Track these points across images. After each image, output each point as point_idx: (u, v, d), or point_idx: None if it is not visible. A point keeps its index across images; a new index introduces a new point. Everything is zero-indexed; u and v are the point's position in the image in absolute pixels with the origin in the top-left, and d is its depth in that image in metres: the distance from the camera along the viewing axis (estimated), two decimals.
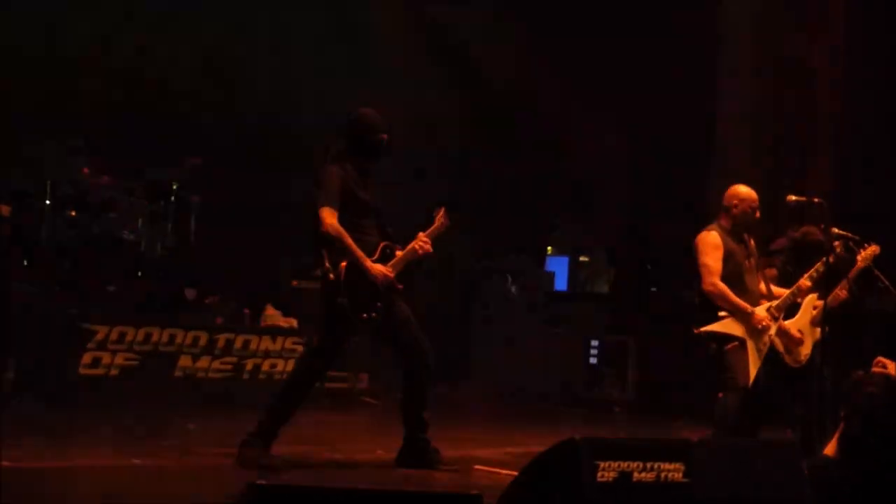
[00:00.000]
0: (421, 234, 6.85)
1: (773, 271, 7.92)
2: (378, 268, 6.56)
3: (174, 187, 10.36)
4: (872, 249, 7.47)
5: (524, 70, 13.64)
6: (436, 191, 11.70)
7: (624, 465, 4.40)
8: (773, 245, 8.34)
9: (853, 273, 7.43)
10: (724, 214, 7.36)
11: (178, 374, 9.48)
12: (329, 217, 6.48)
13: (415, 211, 7.62)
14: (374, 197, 6.79)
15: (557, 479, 4.38)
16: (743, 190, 7.41)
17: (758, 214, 7.37)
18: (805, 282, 7.27)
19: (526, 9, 13.35)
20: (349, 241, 6.49)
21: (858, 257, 7.44)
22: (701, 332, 7.20)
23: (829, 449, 5.83)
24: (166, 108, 11.58)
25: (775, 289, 7.47)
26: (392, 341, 6.80)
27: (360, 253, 6.52)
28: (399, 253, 6.74)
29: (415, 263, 6.88)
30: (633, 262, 13.23)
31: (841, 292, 7.52)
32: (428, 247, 6.80)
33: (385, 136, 6.80)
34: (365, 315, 6.52)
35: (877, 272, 7.56)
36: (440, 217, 6.93)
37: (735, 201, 7.35)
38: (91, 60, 11.29)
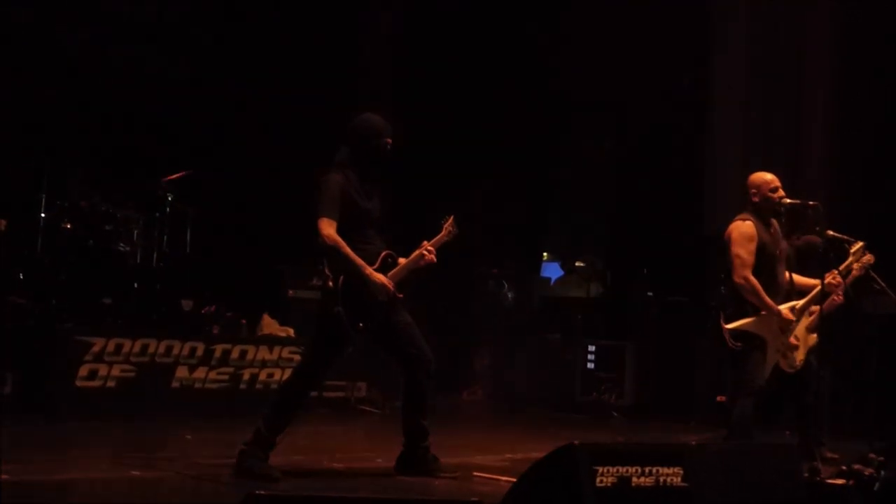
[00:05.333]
0: (425, 242, 6.74)
1: None
2: (379, 277, 6.51)
3: (169, 198, 10.36)
4: (868, 258, 7.45)
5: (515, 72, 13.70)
6: (434, 197, 11.72)
7: (623, 469, 4.41)
8: None
9: (849, 280, 7.41)
10: (749, 204, 7.29)
11: (175, 385, 9.47)
12: (326, 228, 6.39)
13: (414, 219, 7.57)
14: (378, 205, 6.67)
15: (556, 485, 4.38)
16: (757, 176, 7.34)
17: (780, 193, 7.26)
18: (828, 285, 7.21)
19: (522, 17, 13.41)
20: (347, 250, 6.41)
21: (855, 265, 7.42)
22: (730, 330, 7.09)
23: None
24: (160, 119, 11.59)
25: (798, 278, 7.43)
26: (393, 349, 6.73)
27: (360, 262, 6.45)
28: (401, 261, 6.68)
29: (418, 272, 6.75)
30: (629, 266, 13.24)
31: (837, 298, 7.52)
32: (432, 256, 6.70)
33: (388, 140, 6.65)
34: (362, 324, 6.48)
35: (873, 274, 7.57)
36: (448, 226, 6.78)
37: (753, 190, 7.29)
38: (84, 72, 11.30)
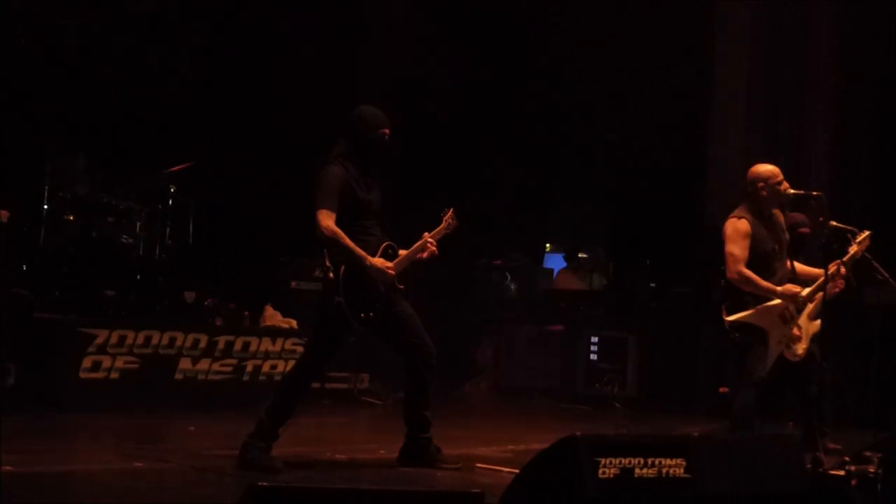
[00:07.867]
0: (426, 234, 6.77)
1: None
2: (379, 263, 6.50)
3: (171, 190, 10.35)
4: (865, 234, 7.40)
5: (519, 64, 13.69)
6: (435, 189, 11.71)
7: (625, 461, 4.40)
8: None
9: (846, 258, 7.36)
10: (752, 198, 7.27)
11: (178, 376, 9.48)
12: (325, 219, 6.39)
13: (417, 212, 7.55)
14: (378, 197, 6.69)
15: (559, 477, 4.38)
16: (764, 169, 7.31)
17: (785, 186, 7.26)
18: (832, 271, 7.21)
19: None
20: (347, 240, 6.41)
21: (852, 246, 7.38)
22: (730, 322, 7.11)
23: None
24: (163, 111, 11.59)
25: (800, 267, 7.42)
26: (394, 340, 6.74)
27: (359, 252, 6.45)
28: (402, 253, 6.69)
29: (420, 264, 6.77)
30: (632, 257, 13.24)
31: (834, 287, 7.51)
32: (433, 248, 6.73)
33: (386, 131, 6.67)
34: (363, 315, 6.48)
35: (876, 264, 7.56)
36: (448, 218, 6.82)
37: (760, 184, 7.25)
38: (86, 63, 11.29)
